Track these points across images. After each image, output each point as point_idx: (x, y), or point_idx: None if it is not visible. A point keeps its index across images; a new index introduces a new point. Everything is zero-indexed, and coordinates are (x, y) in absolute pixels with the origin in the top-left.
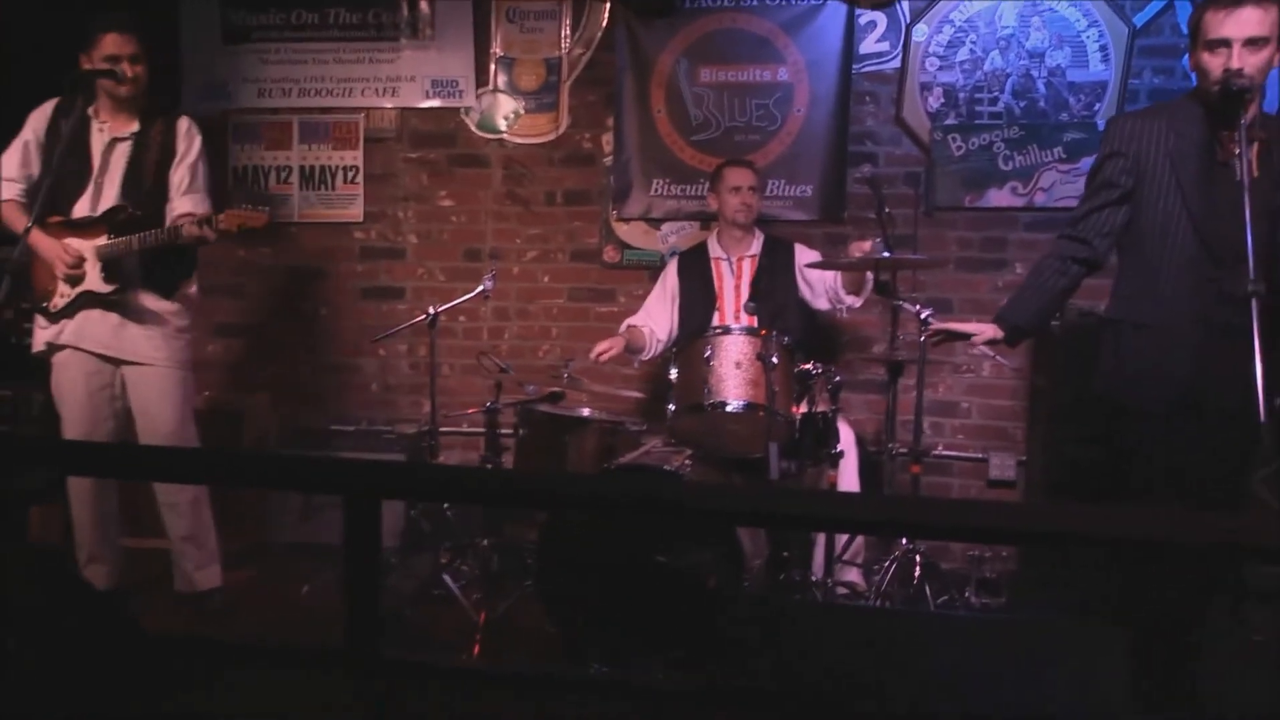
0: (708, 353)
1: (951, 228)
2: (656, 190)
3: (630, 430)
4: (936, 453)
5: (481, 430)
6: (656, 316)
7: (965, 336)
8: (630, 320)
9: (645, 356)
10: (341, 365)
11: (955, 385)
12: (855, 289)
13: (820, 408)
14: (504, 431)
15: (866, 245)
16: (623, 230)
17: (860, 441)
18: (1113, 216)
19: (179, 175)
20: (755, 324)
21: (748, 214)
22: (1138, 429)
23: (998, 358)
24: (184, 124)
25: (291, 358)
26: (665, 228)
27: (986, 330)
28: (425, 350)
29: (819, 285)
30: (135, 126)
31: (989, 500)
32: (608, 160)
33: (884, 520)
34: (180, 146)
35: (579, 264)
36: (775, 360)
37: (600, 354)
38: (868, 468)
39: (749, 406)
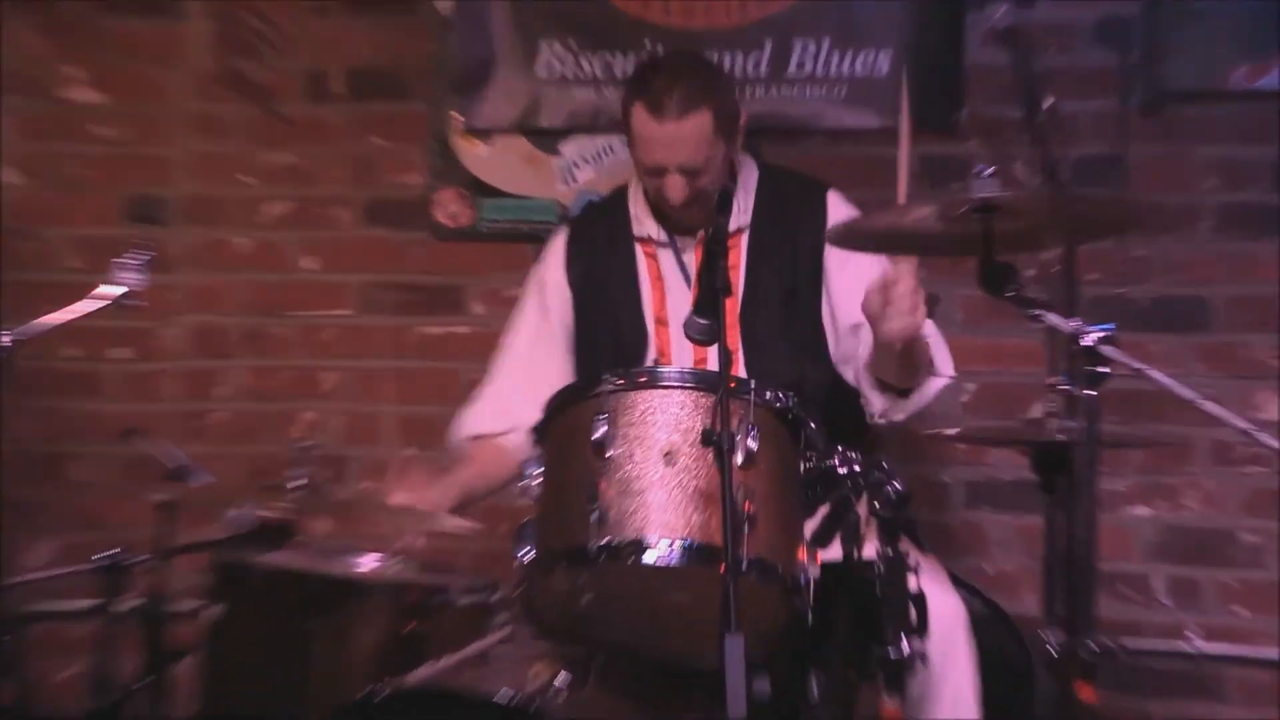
0: (601, 430)
1: (1204, 138)
2: (547, 67)
3: (457, 604)
4: (1184, 645)
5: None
6: (527, 385)
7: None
8: (467, 421)
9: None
10: None
11: (1225, 491)
12: (900, 371)
13: (868, 554)
14: (178, 610)
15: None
16: (476, 157)
17: (1000, 622)
18: None
19: None
20: (710, 363)
21: (681, 194)
22: None
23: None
24: None
25: None
26: (569, 148)
27: None
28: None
29: (843, 314)
30: None
31: None
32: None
33: None
34: None
35: (383, 231)
36: (753, 444)
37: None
38: (1013, 683)
39: (693, 551)
